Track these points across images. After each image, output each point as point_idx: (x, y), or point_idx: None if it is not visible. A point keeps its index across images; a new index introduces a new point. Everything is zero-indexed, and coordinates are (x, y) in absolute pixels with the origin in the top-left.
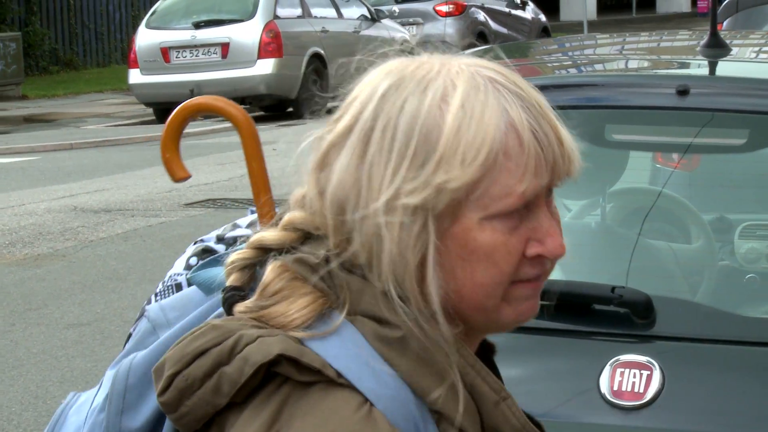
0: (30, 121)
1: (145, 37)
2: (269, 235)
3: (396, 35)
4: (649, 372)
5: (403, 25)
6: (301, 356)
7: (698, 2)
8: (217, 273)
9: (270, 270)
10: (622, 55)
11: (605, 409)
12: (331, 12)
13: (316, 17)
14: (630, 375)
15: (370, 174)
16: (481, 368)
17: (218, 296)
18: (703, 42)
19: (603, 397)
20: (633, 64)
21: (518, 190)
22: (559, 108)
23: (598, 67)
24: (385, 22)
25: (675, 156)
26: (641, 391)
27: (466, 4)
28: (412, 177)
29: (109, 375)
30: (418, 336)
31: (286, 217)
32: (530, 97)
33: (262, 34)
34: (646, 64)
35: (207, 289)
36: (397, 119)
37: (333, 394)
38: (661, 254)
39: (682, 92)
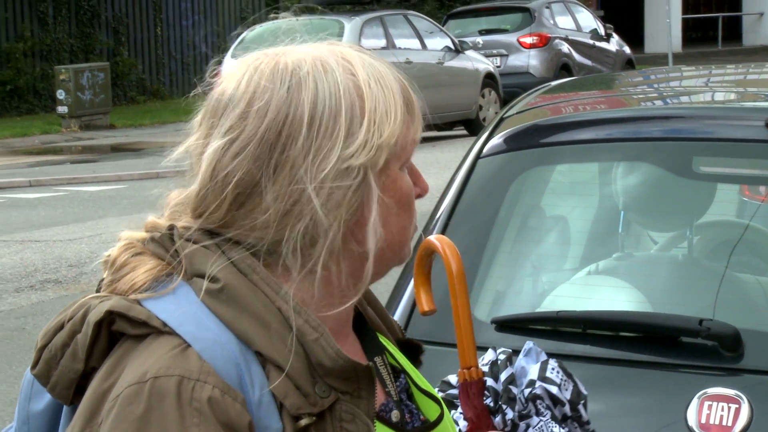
0: (117, 150)
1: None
2: (134, 234)
3: (479, 66)
4: (737, 405)
5: (486, 56)
6: (128, 311)
7: None
8: None
9: (116, 248)
10: (709, 88)
11: None
12: (415, 43)
13: (400, 48)
14: (718, 408)
15: (292, 154)
16: (304, 311)
17: None
18: None
19: (690, 430)
20: (720, 96)
21: (415, 137)
22: (646, 140)
23: (684, 99)
24: (469, 53)
25: (762, 189)
26: (729, 424)
27: (550, 36)
28: (348, 144)
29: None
30: (236, 286)
31: (146, 221)
32: (388, 63)
33: None
34: (733, 96)
35: None
36: (313, 102)
37: (157, 341)
38: (748, 287)
39: None
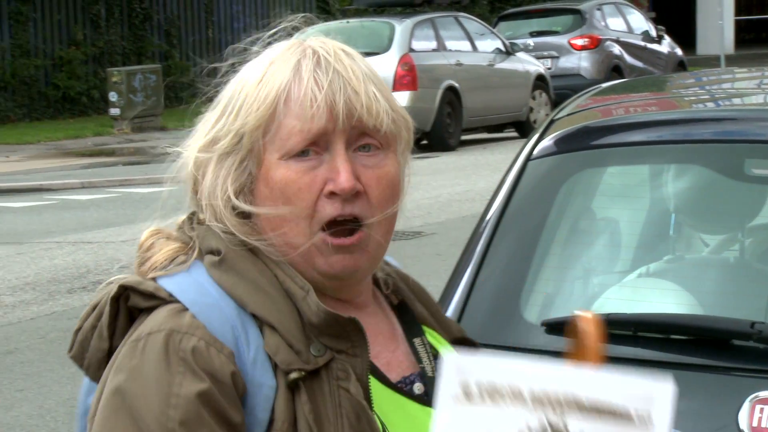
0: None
1: None
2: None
3: (530, 68)
4: None
5: (537, 58)
6: (139, 285)
7: None
8: None
9: (144, 234)
10: (761, 89)
11: None
12: (466, 45)
13: (450, 50)
14: None
15: (198, 132)
16: (293, 273)
17: None
18: None
19: None
20: None
21: (298, 128)
22: (698, 142)
23: (736, 101)
24: (520, 55)
25: None
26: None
27: (601, 37)
28: (220, 127)
29: None
30: (238, 257)
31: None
32: (339, 61)
33: (397, 67)
34: None
35: None
36: (226, 87)
37: (163, 309)
38: None
39: None
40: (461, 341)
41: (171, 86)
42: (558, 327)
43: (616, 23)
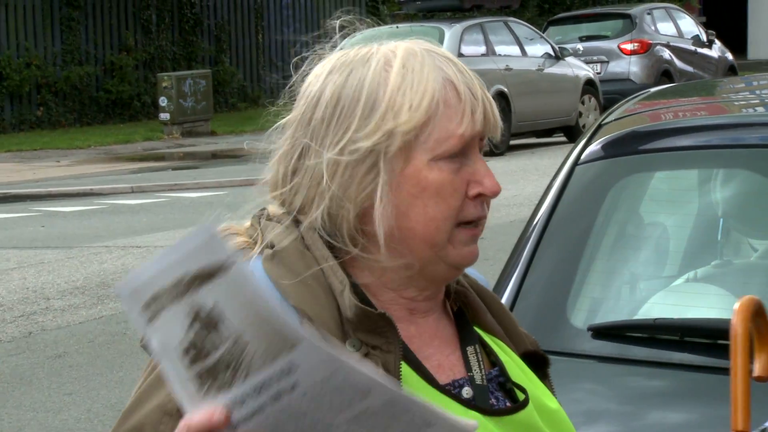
0: (218, 156)
1: None
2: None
3: (580, 73)
4: None
5: (587, 62)
6: None
7: None
8: None
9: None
10: None
11: None
12: (515, 50)
13: (500, 55)
14: None
15: (319, 133)
16: (335, 269)
17: None
18: None
19: None
20: None
21: (458, 132)
22: (746, 147)
23: None
24: (569, 59)
25: None
26: None
27: (651, 42)
28: (361, 127)
29: None
30: (290, 251)
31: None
32: (460, 64)
33: None
34: None
35: None
36: (343, 86)
37: None
38: None
39: None
40: (531, 354)
41: (220, 91)
42: (605, 332)
43: (666, 28)
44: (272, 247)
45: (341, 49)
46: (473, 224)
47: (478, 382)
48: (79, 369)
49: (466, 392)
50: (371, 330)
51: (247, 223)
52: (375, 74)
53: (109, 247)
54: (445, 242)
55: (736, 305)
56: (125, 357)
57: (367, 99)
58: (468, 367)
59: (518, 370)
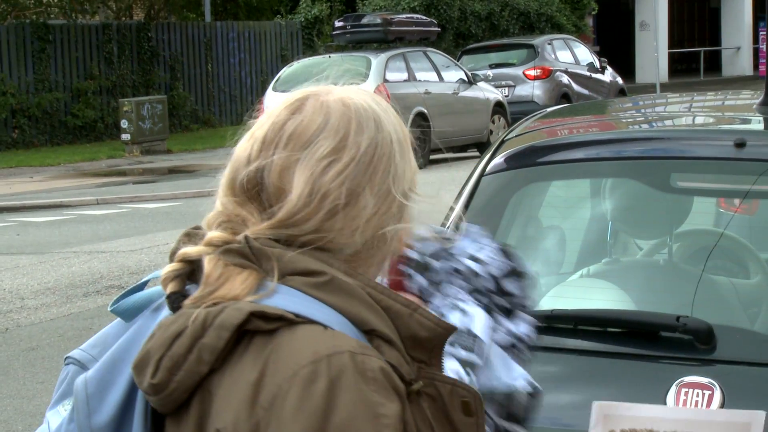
0: (174, 171)
1: (273, 99)
2: (191, 250)
3: (490, 96)
4: (710, 392)
5: (496, 87)
6: (266, 309)
7: (759, 66)
8: (137, 298)
9: (207, 264)
10: (689, 112)
11: None
12: (434, 76)
13: (420, 80)
14: (693, 394)
15: (388, 175)
16: (389, 292)
17: (138, 320)
18: (759, 101)
19: None
20: (699, 119)
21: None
22: (630, 159)
23: (667, 122)
24: (481, 84)
25: (736, 201)
26: (703, 408)
27: (551, 69)
28: (390, 185)
29: (48, 416)
30: (340, 277)
31: (208, 237)
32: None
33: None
34: (710, 119)
35: (129, 315)
36: (398, 130)
37: (299, 329)
38: (722, 288)
39: (740, 144)
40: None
41: (175, 114)
42: None
43: (564, 56)
44: (318, 274)
45: (278, 78)
46: None
47: None
48: (51, 360)
49: None
50: (427, 347)
51: (198, 249)
52: (398, 120)
53: (77, 252)
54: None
55: None
56: None
57: (358, 150)
58: None
59: None
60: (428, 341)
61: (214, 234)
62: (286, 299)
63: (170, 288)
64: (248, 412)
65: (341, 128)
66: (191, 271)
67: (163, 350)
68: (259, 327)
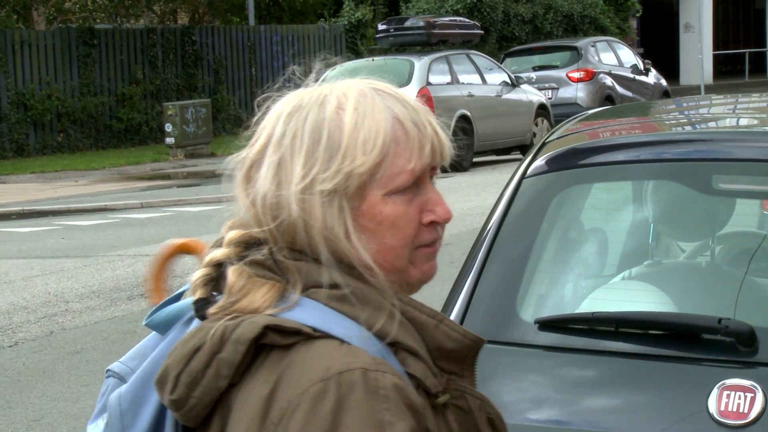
0: (217, 175)
1: None
2: (218, 253)
3: (533, 98)
4: (752, 394)
5: (539, 89)
6: (282, 323)
7: None
8: (170, 310)
9: (231, 274)
10: (732, 114)
11: (713, 428)
12: (477, 78)
13: (463, 83)
14: (735, 397)
15: (287, 173)
16: (416, 303)
17: (171, 333)
18: None
19: (711, 416)
20: (742, 121)
21: (408, 168)
22: (672, 161)
23: (710, 124)
24: (524, 87)
25: None
26: (746, 411)
27: (595, 71)
28: (324, 169)
29: (89, 429)
30: (361, 288)
31: (227, 237)
32: (407, 99)
33: (416, 99)
34: (754, 121)
35: (163, 328)
36: (303, 128)
37: (315, 344)
38: (765, 290)
39: None
40: None
41: (219, 117)
42: (549, 324)
43: (608, 58)
44: (339, 287)
45: (323, 80)
46: (430, 245)
47: None
48: (95, 363)
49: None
50: (456, 358)
51: (224, 252)
52: (330, 118)
53: (121, 256)
54: (405, 265)
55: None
56: None
57: (325, 142)
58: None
59: None
60: (456, 353)
61: (232, 234)
62: (306, 312)
63: (198, 294)
64: (258, 427)
65: (269, 122)
66: (220, 276)
67: (182, 366)
68: (274, 341)
